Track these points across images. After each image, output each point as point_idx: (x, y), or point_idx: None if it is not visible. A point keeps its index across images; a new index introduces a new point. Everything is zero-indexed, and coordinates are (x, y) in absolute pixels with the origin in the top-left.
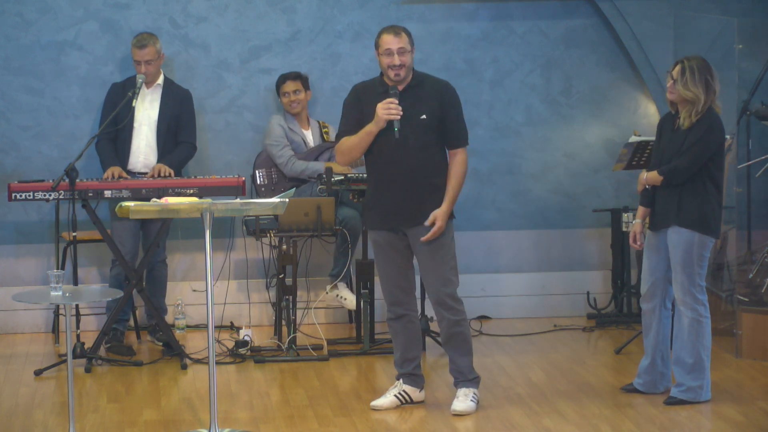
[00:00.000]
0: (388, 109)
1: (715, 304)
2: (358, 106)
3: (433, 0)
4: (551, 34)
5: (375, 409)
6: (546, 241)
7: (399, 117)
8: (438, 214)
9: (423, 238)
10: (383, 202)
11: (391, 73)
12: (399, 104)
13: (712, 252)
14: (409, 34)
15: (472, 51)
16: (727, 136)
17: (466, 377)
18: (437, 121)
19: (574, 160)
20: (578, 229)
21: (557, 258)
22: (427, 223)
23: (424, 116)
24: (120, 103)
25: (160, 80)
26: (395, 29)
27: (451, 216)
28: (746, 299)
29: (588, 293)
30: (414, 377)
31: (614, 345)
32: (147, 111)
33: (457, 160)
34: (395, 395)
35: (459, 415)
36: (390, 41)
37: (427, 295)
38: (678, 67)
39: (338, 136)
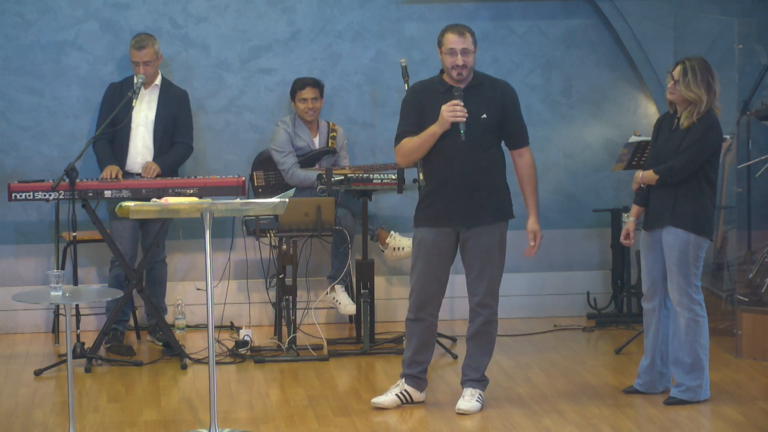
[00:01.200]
0: (453, 111)
1: (715, 304)
2: (417, 107)
3: (433, 0)
4: (551, 34)
5: (375, 407)
6: (546, 241)
7: (465, 119)
8: (533, 229)
9: (528, 253)
10: (441, 200)
11: (454, 73)
12: (463, 105)
13: (712, 252)
14: (473, 34)
15: None
16: (727, 136)
17: (478, 377)
18: (497, 120)
19: (574, 160)
20: (578, 229)
21: (557, 258)
22: (530, 243)
23: (485, 116)
24: (117, 103)
25: (158, 81)
26: (460, 29)
27: (507, 216)
28: (746, 299)
29: (588, 293)
30: (418, 380)
31: (614, 345)
32: (144, 112)
33: (526, 161)
34: (396, 394)
35: (464, 414)
36: (454, 41)
37: (468, 293)
38: (679, 68)
39: (398, 138)
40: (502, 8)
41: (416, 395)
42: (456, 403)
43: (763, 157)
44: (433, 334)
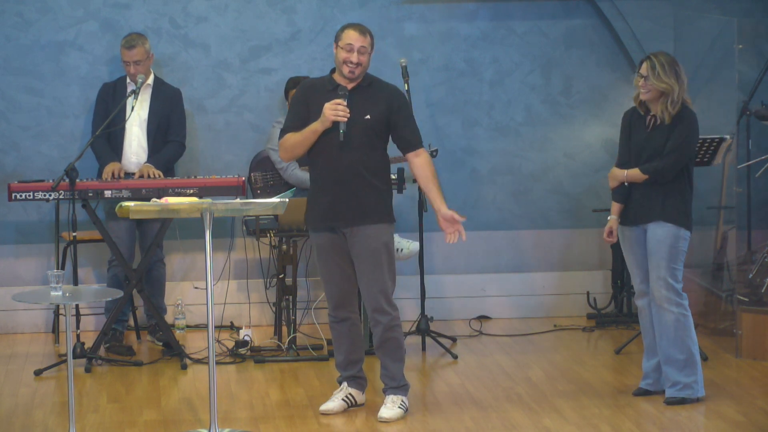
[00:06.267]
0: (335, 110)
1: (715, 304)
2: (305, 103)
3: (433, 0)
4: (551, 34)
5: (324, 413)
6: (546, 241)
7: (346, 119)
8: (448, 214)
9: (451, 239)
10: (324, 201)
11: (346, 69)
12: (346, 105)
13: (712, 252)
14: (372, 37)
15: (472, 51)
16: (727, 136)
17: (397, 384)
18: (382, 124)
19: (574, 160)
20: (578, 229)
21: (557, 258)
22: (452, 230)
23: (368, 116)
24: (111, 103)
25: (150, 80)
26: (361, 27)
27: (391, 219)
28: (746, 299)
29: (588, 293)
30: (358, 380)
31: (614, 345)
32: (137, 111)
33: (423, 160)
34: (343, 399)
35: (386, 422)
36: (353, 37)
37: (363, 298)
38: (646, 64)
39: (283, 132)
40: (502, 8)
41: (359, 397)
42: (455, 402)
43: (763, 157)
44: (360, 332)
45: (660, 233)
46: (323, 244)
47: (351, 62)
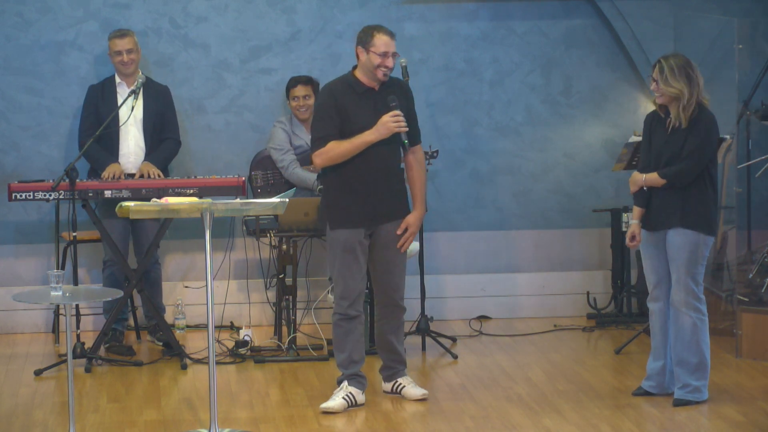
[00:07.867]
0: (398, 123)
1: (715, 304)
2: (340, 109)
3: (433, 0)
4: (551, 34)
5: (325, 412)
6: (546, 241)
7: (408, 129)
8: (412, 221)
9: (399, 245)
10: (363, 201)
11: (380, 74)
12: (387, 106)
13: (712, 252)
14: None
15: (472, 51)
16: (727, 136)
17: (405, 363)
18: (405, 119)
19: (574, 160)
20: (578, 229)
21: (557, 258)
22: (399, 231)
23: None
24: (101, 104)
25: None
26: (389, 31)
27: (407, 212)
28: (746, 299)
29: (588, 293)
30: (359, 379)
31: (614, 345)
32: (131, 111)
33: (420, 157)
34: (343, 398)
35: (422, 399)
36: (387, 43)
37: (375, 294)
38: (656, 68)
39: (322, 140)
40: (502, 8)
41: (359, 397)
42: (455, 402)
43: (763, 157)
44: (363, 330)
45: (679, 241)
46: (353, 241)
47: (386, 67)
